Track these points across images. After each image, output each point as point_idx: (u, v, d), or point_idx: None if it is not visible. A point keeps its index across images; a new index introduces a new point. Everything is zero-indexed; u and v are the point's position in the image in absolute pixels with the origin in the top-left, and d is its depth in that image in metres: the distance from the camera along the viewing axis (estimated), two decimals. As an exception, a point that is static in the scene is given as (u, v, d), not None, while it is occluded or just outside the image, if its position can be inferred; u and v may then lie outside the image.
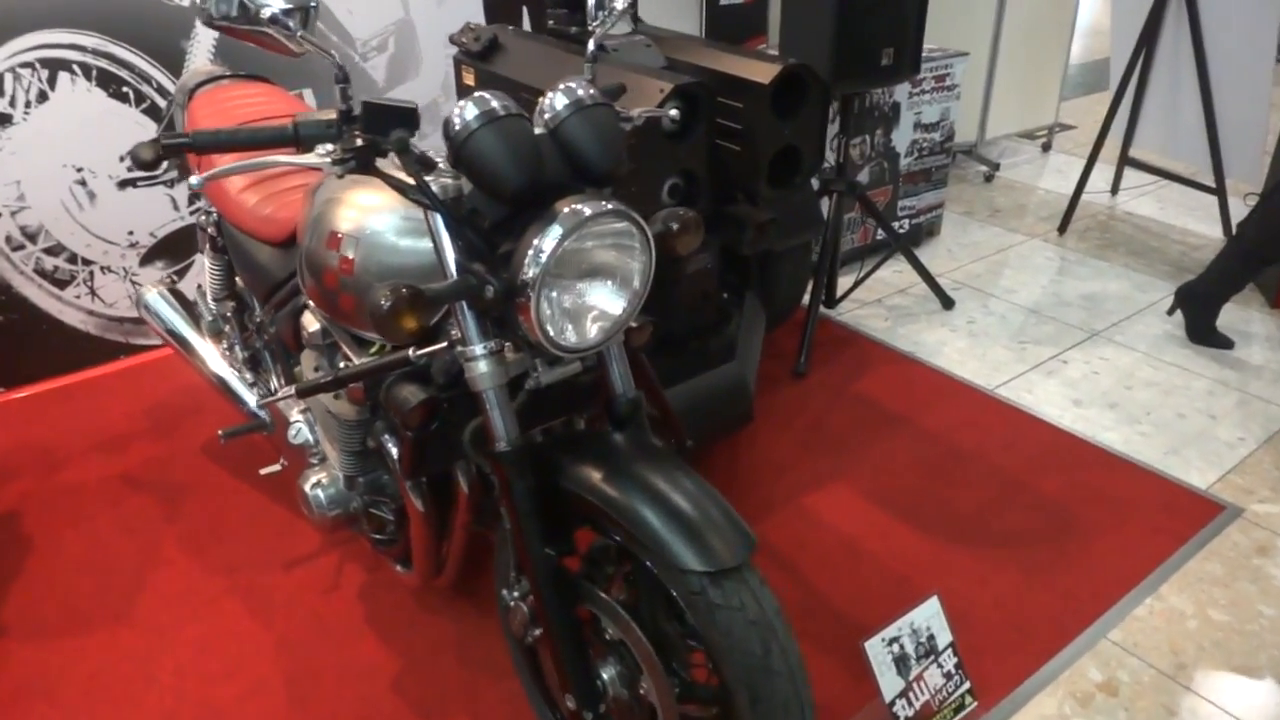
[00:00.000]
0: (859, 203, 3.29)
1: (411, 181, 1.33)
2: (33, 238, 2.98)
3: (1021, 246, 3.98)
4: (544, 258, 1.31)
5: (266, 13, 1.40)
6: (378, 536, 1.93)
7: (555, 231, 1.31)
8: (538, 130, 1.40)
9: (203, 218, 2.35)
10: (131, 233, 3.14)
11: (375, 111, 1.32)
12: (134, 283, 3.18)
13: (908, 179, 3.80)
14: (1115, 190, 4.47)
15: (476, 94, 1.35)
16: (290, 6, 1.45)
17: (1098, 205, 4.38)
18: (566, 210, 1.33)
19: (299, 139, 1.32)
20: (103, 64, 2.95)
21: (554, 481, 1.45)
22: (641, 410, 1.60)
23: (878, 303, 3.51)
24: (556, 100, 1.41)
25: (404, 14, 3.42)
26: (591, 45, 1.57)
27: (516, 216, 1.38)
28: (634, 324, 1.56)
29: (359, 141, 1.31)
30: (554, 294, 1.37)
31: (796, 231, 2.87)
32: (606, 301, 1.43)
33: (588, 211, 1.32)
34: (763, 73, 2.15)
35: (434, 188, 1.37)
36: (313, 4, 1.56)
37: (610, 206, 1.35)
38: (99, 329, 3.17)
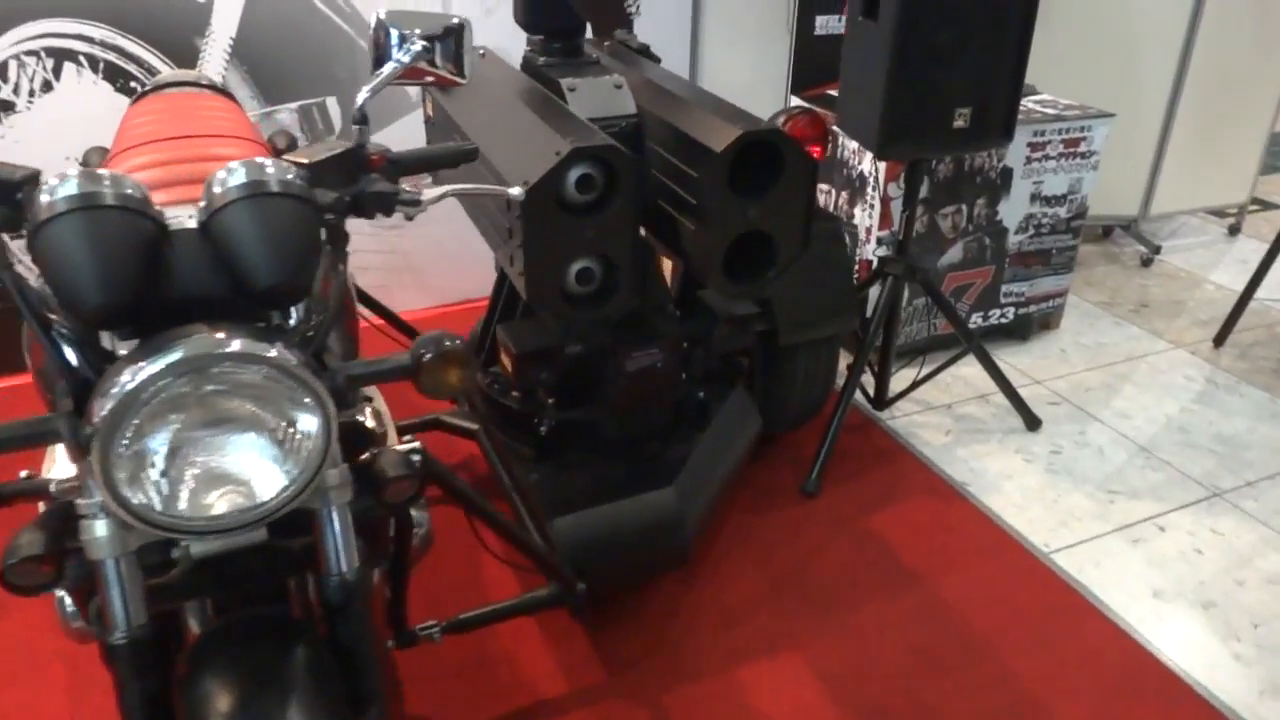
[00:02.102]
0: (924, 287, 2.68)
1: None
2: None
3: (1160, 356, 3.20)
4: (109, 407, 0.92)
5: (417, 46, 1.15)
6: None
7: (129, 377, 0.92)
8: (189, 223, 1.01)
9: None
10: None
11: None
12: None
13: (1017, 260, 3.12)
14: (1311, 296, 3.57)
15: (79, 168, 0.98)
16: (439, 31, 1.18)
17: (1276, 315, 3.49)
18: (165, 346, 0.93)
19: None
20: (110, 57, 2.80)
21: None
22: (363, 597, 1.19)
23: (946, 409, 2.88)
24: (228, 180, 1.02)
25: (444, 23, 3.10)
26: (362, 97, 1.16)
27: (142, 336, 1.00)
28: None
29: None
30: (153, 450, 0.97)
31: (814, 324, 2.33)
32: (252, 469, 1.02)
33: (176, 355, 0.92)
34: (720, 136, 1.66)
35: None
36: (455, 20, 1.26)
37: (235, 348, 0.94)
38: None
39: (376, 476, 1.25)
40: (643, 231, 2.00)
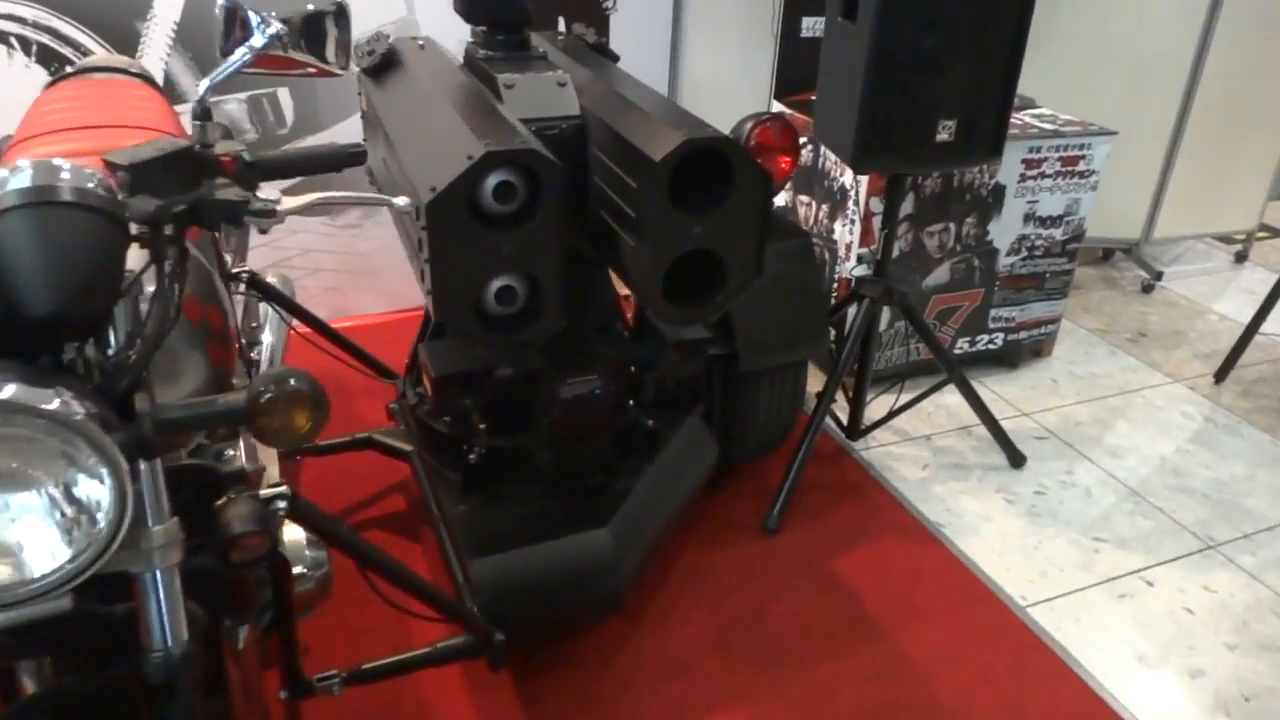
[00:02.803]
0: (903, 312, 2.50)
1: None
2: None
3: (1157, 391, 3.01)
4: None
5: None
6: None
7: None
8: None
9: None
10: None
11: None
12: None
13: (1008, 283, 2.93)
14: (1319, 329, 3.38)
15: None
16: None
17: (1286, 348, 3.31)
18: None
19: None
20: (44, 39, 2.63)
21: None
22: (191, 678, 1.01)
23: (924, 440, 2.70)
24: (8, 182, 0.84)
25: (406, 12, 2.93)
26: (203, 87, 0.98)
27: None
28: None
29: None
30: None
31: (778, 349, 2.15)
32: (29, 536, 0.85)
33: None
34: (661, 143, 1.47)
35: None
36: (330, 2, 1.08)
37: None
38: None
39: (218, 532, 1.07)
40: (585, 246, 1.82)
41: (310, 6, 1.06)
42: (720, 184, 1.54)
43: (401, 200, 1.15)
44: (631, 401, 2.01)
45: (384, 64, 1.93)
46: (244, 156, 1.05)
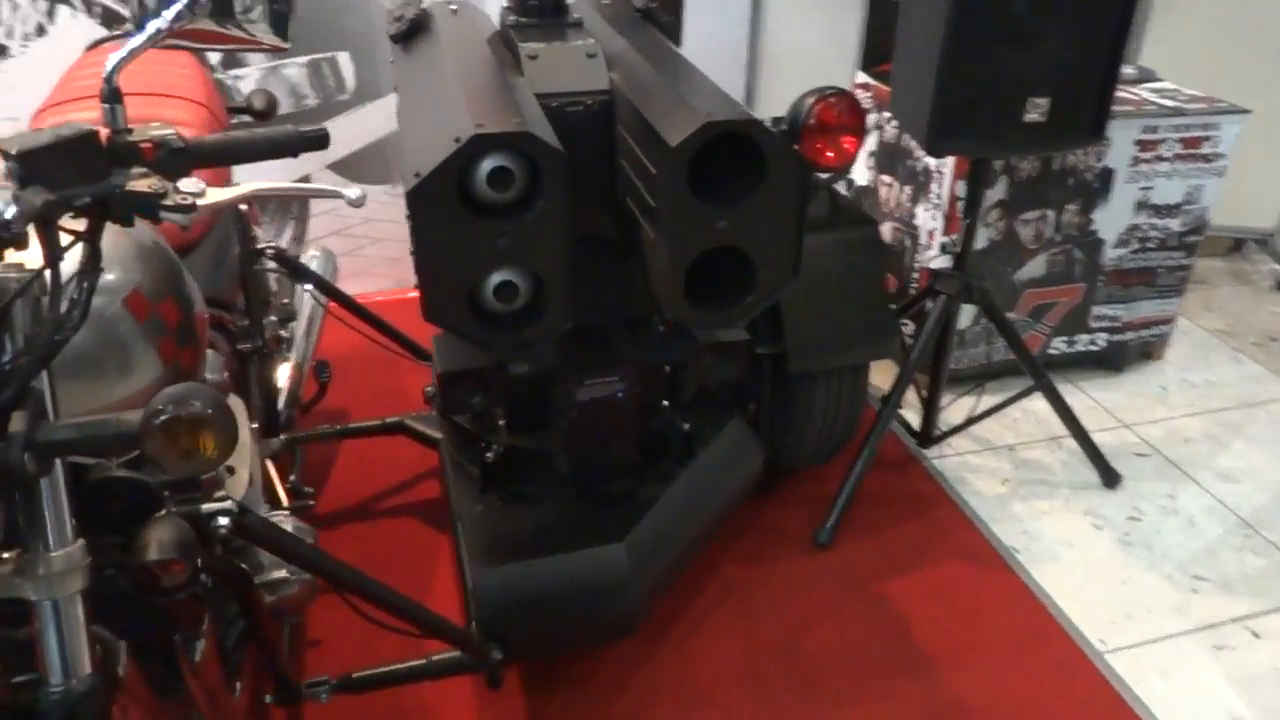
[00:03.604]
0: (984, 311, 2.25)
1: None
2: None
3: (1284, 404, 2.67)
4: None
5: None
6: None
7: None
8: None
9: None
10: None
11: None
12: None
13: (1116, 278, 2.63)
14: None
15: None
16: None
17: None
18: None
19: None
20: (106, 0, 2.60)
21: None
22: (86, 713, 0.92)
23: (1007, 451, 2.45)
24: None
25: (468, -26, 2.79)
26: (111, 64, 0.86)
27: None
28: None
29: None
30: None
31: (834, 350, 1.95)
32: None
33: None
34: (679, 126, 1.29)
35: None
36: None
37: None
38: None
39: (133, 557, 0.97)
40: (612, 232, 1.66)
41: (244, -29, 0.93)
42: (749, 172, 1.35)
43: (353, 191, 1.02)
44: (667, 402, 1.84)
45: (411, 30, 1.79)
46: (170, 142, 0.93)
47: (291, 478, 1.95)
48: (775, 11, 3.08)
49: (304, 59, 2.80)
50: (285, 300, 2.12)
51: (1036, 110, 1.84)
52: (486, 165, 1.25)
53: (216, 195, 0.91)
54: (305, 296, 2.13)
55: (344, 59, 2.83)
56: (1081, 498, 2.29)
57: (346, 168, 2.98)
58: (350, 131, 2.93)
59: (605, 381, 1.63)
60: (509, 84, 1.45)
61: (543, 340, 1.39)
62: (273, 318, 2.02)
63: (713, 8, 3.03)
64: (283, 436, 1.87)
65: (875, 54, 2.90)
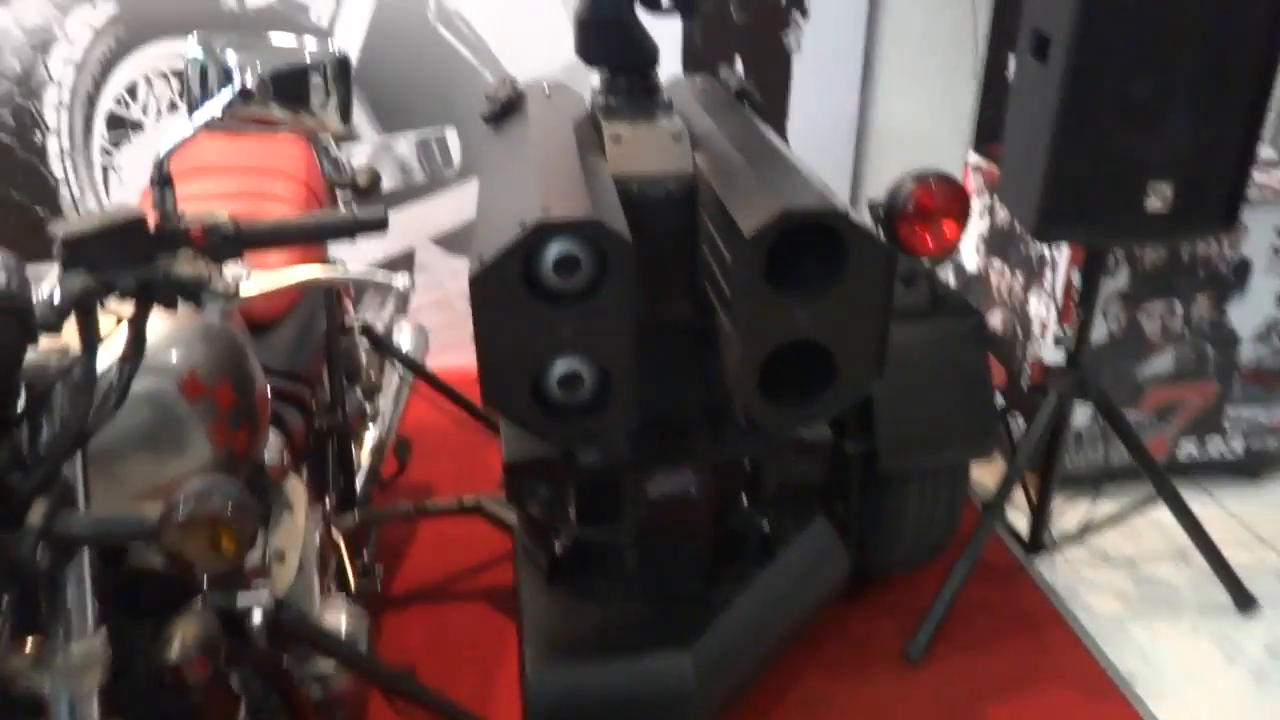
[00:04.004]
0: (1101, 412, 2.07)
1: None
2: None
3: None
4: None
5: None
6: None
7: None
8: None
9: None
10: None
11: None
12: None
13: (1254, 377, 2.41)
14: None
15: None
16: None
17: None
18: None
19: None
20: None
21: None
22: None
23: (1127, 564, 2.23)
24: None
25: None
26: (163, 150, 0.85)
27: None
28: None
29: None
30: None
31: (931, 448, 1.83)
32: None
33: None
34: (755, 214, 1.22)
35: None
36: (331, 51, 1.04)
37: None
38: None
39: (155, 652, 0.93)
40: (693, 318, 1.59)
41: (302, 59, 0.91)
42: (832, 262, 1.27)
43: (401, 281, 0.98)
44: (745, 499, 1.74)
45: (503, 112, 1.79)
46: (221, 227, 0.91)
47: (365, 554, 1.93)
48: (886, 86, 3.01)
49: (414, 135, 2.87)
50: (373, 374, 2.13)
51: (1158, 196, 1.70)
52: (553, 251, 1.20)
53: (263, 282, 0.88)
54: (392, 373, 2.14)
55: (452, 135, 2.89)
56: (1211, 623, 2.05)
57: (453, 241, 3.02)
58: (456, 206, 2.98)
59: (678, 477, 1.55)
60: (587, 167, 1.41)
61: (607, 434, 1.32)
62: (358, 393, 2.03)
63: (820, 83, 2.98)
64: (357, 514, 1.85)
65: (989, 133, 2.79)
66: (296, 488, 1.35)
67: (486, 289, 1.19)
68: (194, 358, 1.08)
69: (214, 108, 0.88)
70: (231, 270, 0.88)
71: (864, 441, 1.79)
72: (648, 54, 1.68)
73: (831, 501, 1.94)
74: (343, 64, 0.97)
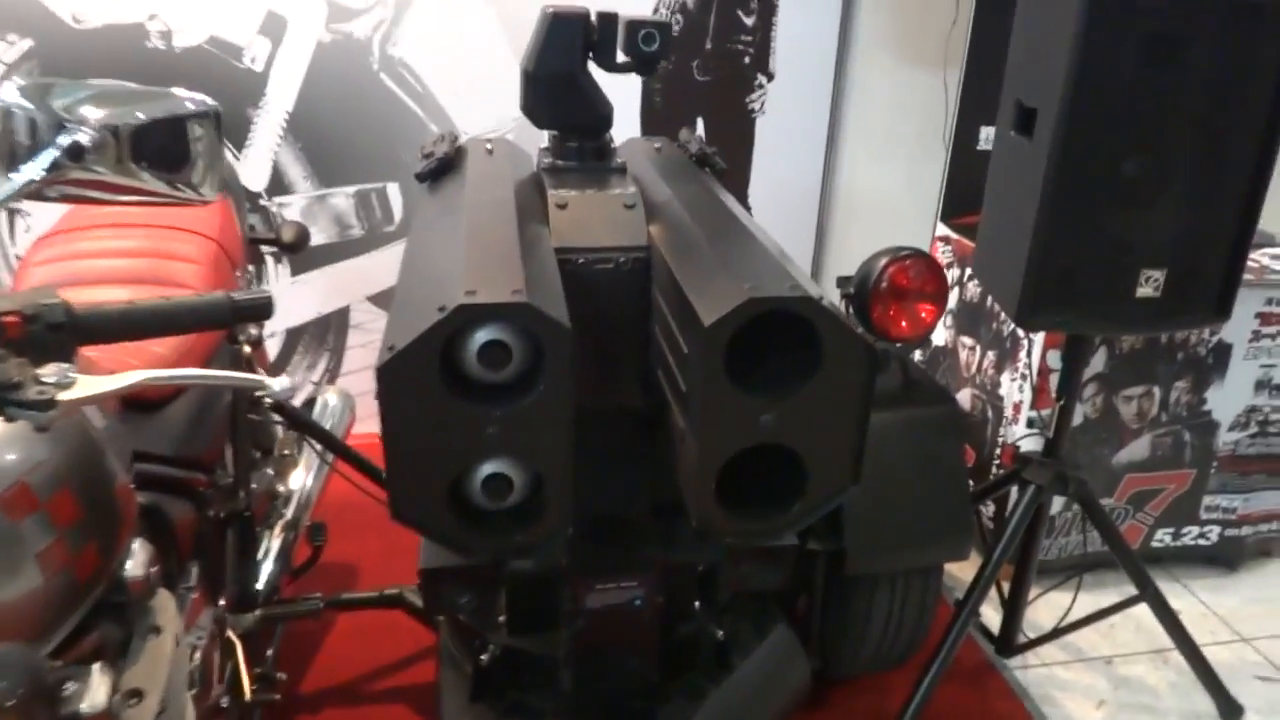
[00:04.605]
0: (1082, 507, 1.93)
1: None
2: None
3: None
4: None
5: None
6: None
7: None
8: None
9: None
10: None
11: None
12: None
13: (1230, 464, 2.30)
14: None
15: None
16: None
17: None
18: None
19: None
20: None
21: None
22: None
23: (1103, 665, 2.08)
24: None
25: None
26: None
27: None
28: None
29: None
30: None
31: (901, 549, 1.67)
32: None
33: None
34: (716, 302, 1.07)
35: None
36: (193, 104, 0.85)
37: None
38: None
39: None
40: (643, 406, 1.42)
41: (162, 110, 0.74)
42: (802, 356, 1.11)
43: (280, 383, 0.80)
44: (699, 603, 1.56)
45: (439, 170, 1.62)
46: (47, 314, 0.73)
47: (269, 654, 1.71)
48: (852, 152, 2.91)
49: (353, 189, 2.69)
50: (288, 450, 1.92)
51: (1150, 283, 1.57)
52: (478, 339, 1.03)
53: (90, 386, 0.70)
54: (307, 450, 1.93)
55: (394, 190, 2.71)
56: (1197, 734, 1.91)
57: (389, 300, 2.83)
58: (394, 263, 2.81)
59: (621, 587, 1.37)
60: (526, 237, 1.24)
61: (538, 547, 1.14)
62: (268, 472, 1.82)
63: (783, 150, 2.86)
64: (258, 613, 1.64)
65: (957, 202, 2.68)
66: (167, 605, 1.14)
67: (396, 382, 1.01)
68: (20, 466, 0.88)
69: (34, 169, 0.70)
70: (55, 370, 0.70)
71: (830, 540, 1.62)
72: (601, 115, 1.52)
73: (793, 599, 1.77)
74: (214, 119, 0.80)
